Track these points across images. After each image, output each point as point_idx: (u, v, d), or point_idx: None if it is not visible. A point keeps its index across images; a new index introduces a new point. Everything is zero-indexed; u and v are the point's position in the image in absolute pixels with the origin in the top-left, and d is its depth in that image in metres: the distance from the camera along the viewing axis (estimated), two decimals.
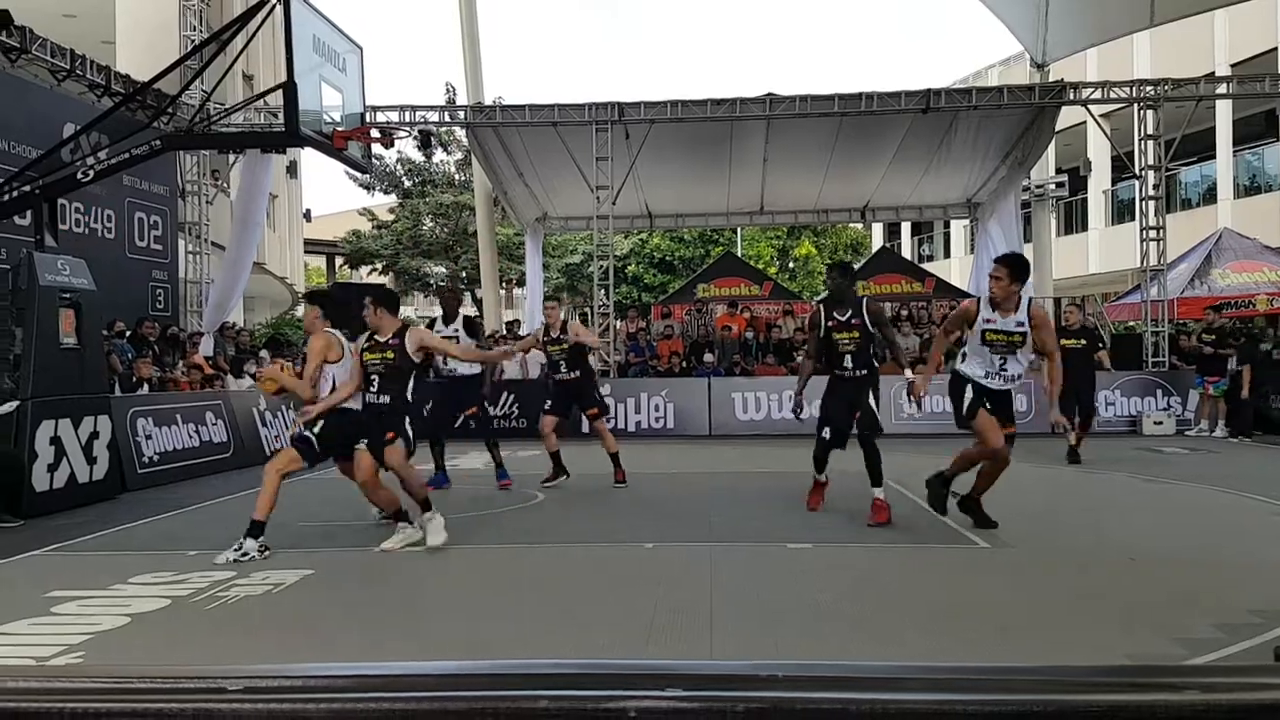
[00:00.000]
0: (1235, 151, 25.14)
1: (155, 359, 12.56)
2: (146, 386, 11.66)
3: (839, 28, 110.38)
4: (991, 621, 4.80)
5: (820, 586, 5.54)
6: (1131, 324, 18.13)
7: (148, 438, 10.64)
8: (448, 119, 20.04)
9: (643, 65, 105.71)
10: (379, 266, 34.82)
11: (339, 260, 40.97)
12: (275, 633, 4.78)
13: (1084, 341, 11.75)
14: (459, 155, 32.86)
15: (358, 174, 30.09)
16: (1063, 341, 11.66)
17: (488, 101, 20.76)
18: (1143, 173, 16.72)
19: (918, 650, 4.32)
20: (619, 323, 19.34)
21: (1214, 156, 25.42)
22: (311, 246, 39.33)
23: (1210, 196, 25.90)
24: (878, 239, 38.66)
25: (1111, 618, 4.77)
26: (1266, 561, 5.95)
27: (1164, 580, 5.44)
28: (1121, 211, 28.13)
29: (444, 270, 34.94)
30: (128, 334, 12.80)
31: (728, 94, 16.54)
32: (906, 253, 37.17)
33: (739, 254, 32.27)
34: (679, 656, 4.26)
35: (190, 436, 11.41)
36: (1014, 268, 6.67)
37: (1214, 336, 15.73)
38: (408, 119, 16.91)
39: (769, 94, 16.56)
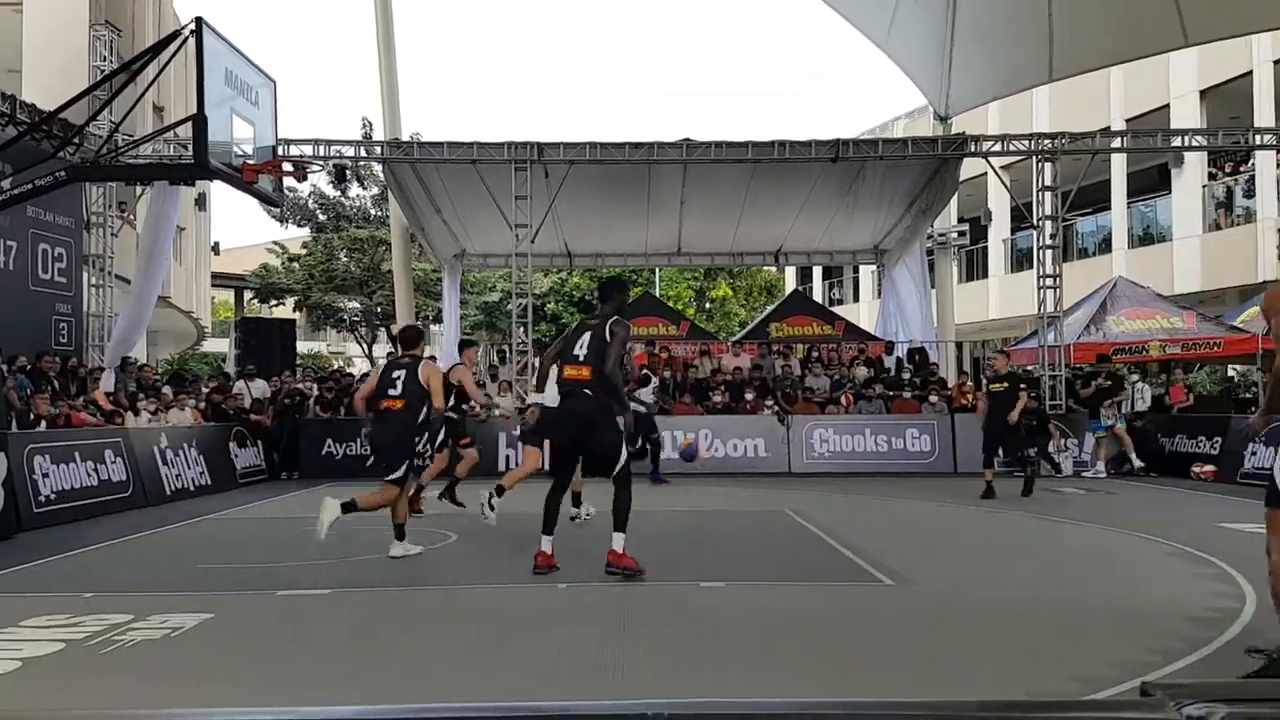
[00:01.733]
0: (1129, 203, 26.27)
1: (55, 394, 12.13)
2: (44, 423, 11.25)
3: (754, 77, 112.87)
4: (896, 657, 4.92)
5: (731, 625, 5.61)
6: (1029, 368, 18.76)
7: (44, 476, 10.23)
8: (364, 154, 19.93)
9: (562, 111, 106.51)
10: (289, 301, 34.21)
11: (248, 294, 40.17)
12: (172, 677, 4.65)
13: (1007, 385, 12.09)
14: (375, 190, 32.57)
15: (269, 207, 29.63)
16: (990, 386, 12.22)
17: (405, 137, 20.66)
18: (1040, 223, 17.40)
19: (822, 685, 4.40)
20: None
21: (1109, 208, 26.52)
22: (220, 280, 38.50)
23: (1105, 246, 27.01)
24: (791, 282, 39.38)
25: (1012, 654, 4.92)
26: (1163, 600, 6.18)
27: (1063, 618, 5.63)
28: (1020, 260, 29.13)
29: (358, 306, 34.48)
30: (28, 368, 12.35)
31: (646, 138, 16.82)
32: (818, 296, 37.92)
33: (657, 294, 32.56)
34: (586, 698, 4.27)
35: (89, 475, 11.00)
36: None
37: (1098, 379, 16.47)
38: (322, 153, 16.76)
39: (685, 139, 16.87)
